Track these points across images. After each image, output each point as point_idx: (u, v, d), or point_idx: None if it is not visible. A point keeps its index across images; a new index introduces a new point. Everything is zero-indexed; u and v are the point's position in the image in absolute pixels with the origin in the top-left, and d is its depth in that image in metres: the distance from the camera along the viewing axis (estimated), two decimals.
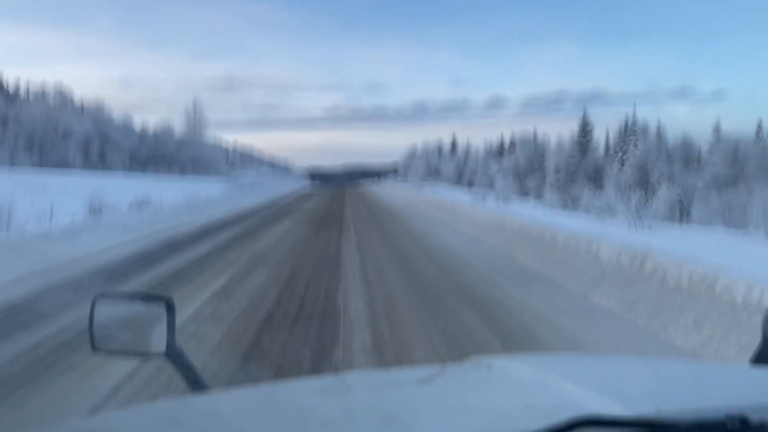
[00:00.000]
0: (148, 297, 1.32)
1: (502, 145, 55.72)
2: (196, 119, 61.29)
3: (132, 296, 1.46)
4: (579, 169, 36.46)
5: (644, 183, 25.92)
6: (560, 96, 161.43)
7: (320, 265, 8.75)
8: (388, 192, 39.55)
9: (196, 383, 1.23)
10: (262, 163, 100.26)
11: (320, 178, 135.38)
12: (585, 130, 39.34)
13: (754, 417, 0.71)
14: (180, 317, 3.97)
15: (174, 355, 1.21)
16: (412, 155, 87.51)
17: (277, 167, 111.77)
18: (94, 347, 1.24)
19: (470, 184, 53.74)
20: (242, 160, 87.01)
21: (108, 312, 1.26)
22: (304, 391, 0.98)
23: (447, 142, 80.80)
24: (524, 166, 41.46)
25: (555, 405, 0.80)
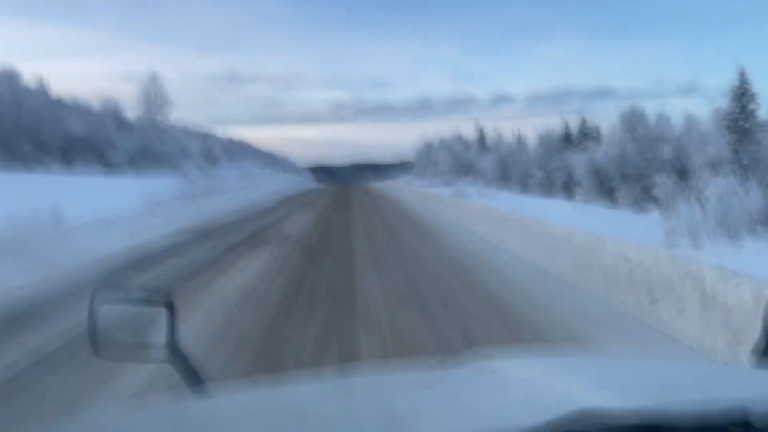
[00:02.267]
0: (149, 297, 1.29)
1: (567, 133, 40.48)
2: (153, 98, 46.45)
3: (133, 296, 1.35)
4: (749, 159, 21.21)
5: None
6: (565, 91, 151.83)
7: None
8: (420, 201, 24.47)
9: (197, 383, 1.19)
10: (257, 157, 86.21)
11: (325, 174, 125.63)
12: (743, 101, 24.00)
13: (756, 415, 0.69)
14: None
15: (176, 355, 1.18)
16: (427, 149, 72.83)
17: (276, 163, 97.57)
18: (95, 348, 1.20)
19: (524, 185, 38.75)
20: (230, 154, 72.24)
21: (109, 312, 1.22)
22: (306, 392, 0.97)
23: (461, 134, 66.38)
24: (633, 160, 26.18)
25: (555, 401, 0.78)
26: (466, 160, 61.08)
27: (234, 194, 25.73)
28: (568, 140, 39.09)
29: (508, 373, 0.97)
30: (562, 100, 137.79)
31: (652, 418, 0.68)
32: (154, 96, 46.25)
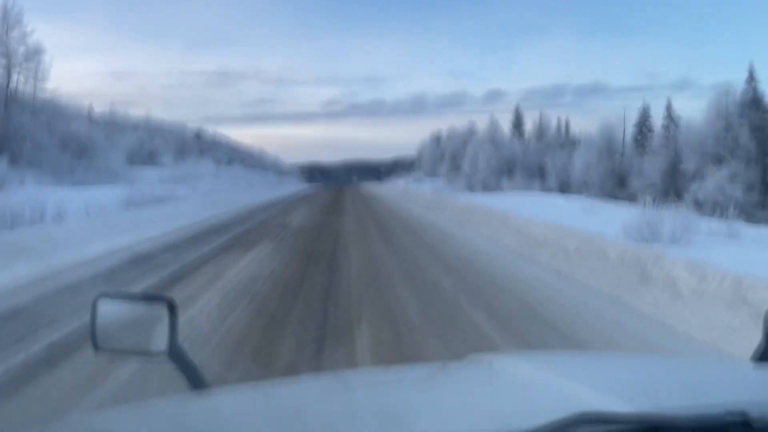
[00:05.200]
0: (149, 297, 1.29)
1: (756, 97, 21.71)
2: (12, 51, 27.33)
3: (134, 296, 1.39)
4: None
5: None
6: (559, 89, 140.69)
7: None
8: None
9: (197, 382, 1.19)
10: (232, 156, 69.02)
11: (317, 174, 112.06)
12: None
13: (755, 414, 0.69)
14: None
15: (176, 354, 1.18)
16: (435, 144, 60.05)
17: (255, 162, 79.78)
18: (96, 347, 1.20)
19: (680, 198, 19.97)
20: (184, 152, 54.32)
21: (110, 312, 1.21)
22: (305, 390, 0.96)
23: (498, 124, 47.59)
24: None
25: (556, 403, 0.78)
26: (509, 157, 42.83)
27: None
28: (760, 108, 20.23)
29: (508, 375, 0.95)
30: (556, 96, 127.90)
31: (652, 421, 0.67)
32: (12, 48, 27.29)
